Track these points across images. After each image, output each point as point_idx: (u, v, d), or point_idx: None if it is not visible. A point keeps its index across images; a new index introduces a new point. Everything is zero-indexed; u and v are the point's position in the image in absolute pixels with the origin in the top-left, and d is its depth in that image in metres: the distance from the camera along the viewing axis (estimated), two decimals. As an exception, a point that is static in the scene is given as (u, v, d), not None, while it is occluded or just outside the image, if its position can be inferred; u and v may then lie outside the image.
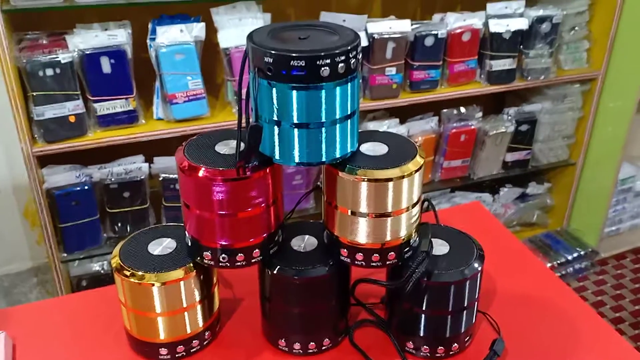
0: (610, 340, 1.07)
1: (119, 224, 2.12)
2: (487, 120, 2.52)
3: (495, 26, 2.31)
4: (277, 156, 0.87)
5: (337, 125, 0.86)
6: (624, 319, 2.56)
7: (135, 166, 2.05)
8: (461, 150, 2.50)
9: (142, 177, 2.06)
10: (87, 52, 1.84)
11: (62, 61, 1.81)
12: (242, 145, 0.87)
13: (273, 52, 0.80)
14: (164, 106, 2.00)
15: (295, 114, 0.83)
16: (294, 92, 0.82)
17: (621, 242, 3.03)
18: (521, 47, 2.39)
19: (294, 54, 0.79)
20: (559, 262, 2.76)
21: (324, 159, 0.87)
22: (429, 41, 2.21)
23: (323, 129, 0.85)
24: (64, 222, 2.03)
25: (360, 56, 0.86)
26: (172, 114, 1.98)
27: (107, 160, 2.05)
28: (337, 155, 0.88)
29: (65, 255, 2.08)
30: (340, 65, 0.81)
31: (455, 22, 2.26)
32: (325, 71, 0.80)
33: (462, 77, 2.35)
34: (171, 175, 2.10)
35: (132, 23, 1.95)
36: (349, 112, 0.86)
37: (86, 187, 2.01)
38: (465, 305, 0.97)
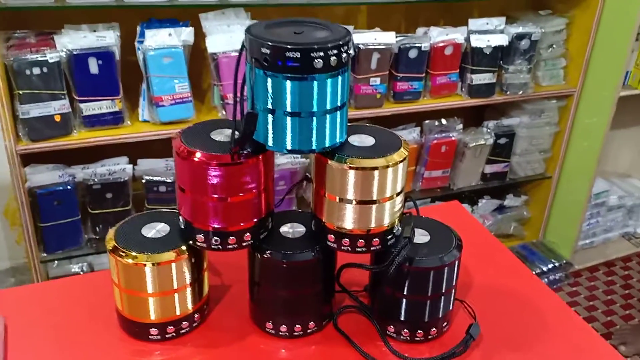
0: (576, 327, 1.14)
1: (101, 225, 2.12)
2: (467, 132, 2.59)
3: (477, 41, 2.38)
4: (270, 143, 0.92)
5: (328, 116, 0.91)
6: (596, 329, 2.61)
7: (119, 167, 2.06)
8: (442, 160, 2.56)
9: (125, 179, 2.07)
10: (75, 53, 1.85)
11: (50, 60, 1.83)
12: (237, 134, 0.92)
13: (270, 43, 0.85)
14: (150, 108, 2.02)
15: (288, 103, 0.88)
16: (288, 82, 0.87)
17: (594, 254, 3.11)
18: (501, 62, 2.46)
19: (289, 46, 0.85)
20: (534, 272, 2.81)
21: (314, 147, 0.92)
22: (412, 53, 2.28)
23: (314, 119, 0.90)
24: (45, 221, 2.03)
25: (351, 51, 0.91)
26: (157, 116, 2.00)
27: (91, 160, 2.06)
28: (327, 144, 0.93)
29: (45, 255, 2.08)
30: (333, 58, 0.87)
31: (438, 36, 2.32)
32: (319, 63, 0.86)
33: (444, 89, 2.41)
34: (155, 178, 2.11)
35: (121, 26, 1.97)
36: (339, 104, 0.92)
37: (69, 187, 2.01)
38: (444, 291, 1.02)
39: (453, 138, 2.54)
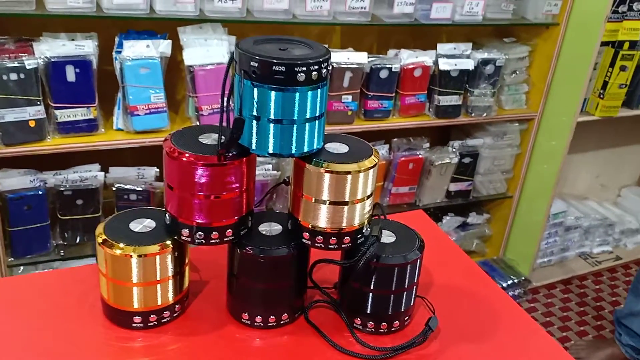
0: (524, 323, 1.25)
1: (69, 232, 2.14)
2: (434, 151, 2.70)
3: (444, 65, 2.49)
4: (253, 146, 1.02)
5: (307, 124, 1.01)
6: (551, 343, 2.74)
7: (90, 174, 2.09)
8: (409, 177, 2.66)
9: (96, 186, 2.09)
10: (53, 60, 1.88)
11: (27, 67, 1.85)
12: (223, 138, 1.02)
13: (258, 58, 0.95)
14: (125, 117, 2.05)
15: (272, 111, 0.98)
16: (273, 93, 0.97)
17: (552, 272, 3.24)
18: (467, 85, 2.57)
19: (276, 61, 0.95)
20: (493, 288, 2.92)
21: (293, 152, 1.02)
22: (383, 74, 2.38)
23: (295, 126, 1.00)
24: (13, 226, 2.03)
25: (330, 68, 1.01)
26: (132, 125, 2.04)
27: (63, 167, 2.08)
28: (305, 149, 1.03)
29: (12, 259, 2.08)
30: (314, 73, 0.97)
31: (408, 58, 2.43)
32: (301, 77, 0.96)
33: (412, 109, 2.52)
34: (126, 186, 2.13)
35: (99, 36, 2.01)
36: (317, 114, 1.02)
37: (40, 192, 2.02)
38: (406, 286, 1.12)
39: (420, 156, 2.64)
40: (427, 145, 2.68)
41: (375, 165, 1.06)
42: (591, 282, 3.27)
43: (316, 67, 0.97)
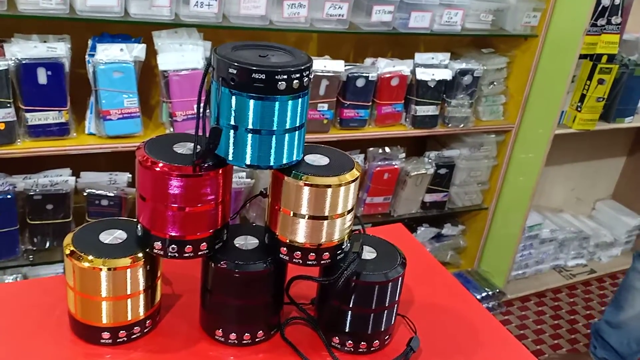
0: (507, 343, 1.23)
1: (39, 237, 2.09)
2: (410, 161, 2.67)
3: (422, 74, 2.47)
4: (230, 157, 0.97)
5: (287, 135, 0.97)
6: (525, 356, 2.72)
7: (61, 179, 2.04)
8: (384, 187, 2.63)
9: (67, 191, 2.05)
10: (24, 62, 1.84)
11: None
12: (199, 147, 0.97)
13: (237, 64, 0.91)
14: (97, 122, 2.01)
15: (250, 120, 0.94)
16: (252, 101, 0.92)
17: (526, 285, 3.23)
18: (444, 95, 2.55)
19: (255, 68, 0.90)
20: (467, 300, 2.91)
21: (272, 164, 0.98)
22: (360, 82, 2.35)
23: (274, 137, 0.96)
24: None
25: (311, 76, 0.97)
26: (104, 129, 1.99)
27: (34, 170, 2.04)
28: (284, 161, 0.99)
29: None
30: (295, 81, 0.93)
31: (385, 67, 2.40)
32: (282, 85, 0.92)
33: (388, 118, 2.49)
34: (97, 191, 2.10)
35: (72, 38, 1.96)
36: (297, 124, 0.98)
37: (8, 197, 1.97)
38: (387, 305, 1.08)
39: (395, 166, 2.62)
40: (403, 155, 2.66)
41: (356, 178, 1.02)
42: (565, 295, 3.26)
43: (297, 75, 0.93)
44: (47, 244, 2.12)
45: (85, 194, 2.10)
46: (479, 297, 2.93)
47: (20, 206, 2.04)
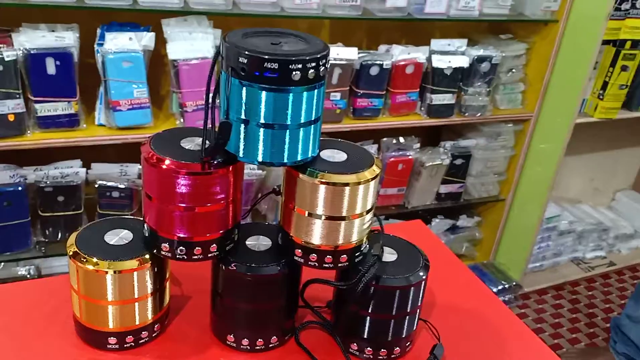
0: (536, 349, 1.17)
1: (50, 229, 2.09)
2: (424, 151, 2.60)
3: (438, 62, 2.40)
4: (241, 154, 0.91)
5: (302, 129, 0.90)
6: (543, 351, 2.66)
7: (72, 170, 2.03)
8: (398, 178, 2.57)
9: (78, 182, 2.04)
10: (33, 52, 1.81)
11: (6, 59, 1.78)
12: (207, 143, 0.90)
13: (248, 53, 0.84)
14: (107, 112, 1.98)
15: (262, 114, 0.87)
16: (264, 93, 0.86)
17: (544, 278, 3.16)
18: (461, 83, 2.48)
19: (268, 57, 0.84)
20: (484, 293, 2.85)
21: (286, 160, 0.91)
22: (374, 70, 2.28)
23: (288, 131, 0.89)
24: None
25: (328, 65, 0.90)
26: (114, 120, 1.97)
27: (44, 162, 2.02)
28: (299, 158, 0.92)
29: None
30: (311, 71, 0.86)
31: (400, 54, 2.33)
32: (297, 75, 0.85)
33: (403, 108, 2.42)
34: (108, 183, 2.08)
35: (81, 27, 1.94)
36: (313, 118, 0.91)
37: (20, 188, 1.97)
38: (409, 310, 1.02)
39: (410, 157, 2.55)
40: (418, 145, 2.59)
41: (376, 176, 0.95)
42: (584, 288, 3.19)
43: (313, 64, 0.86)
44: (59, 236, 2.11)
45: (96, 185, 2.08)
46: (494, 290, 2.87)
47: (32, 198, 2.03)
